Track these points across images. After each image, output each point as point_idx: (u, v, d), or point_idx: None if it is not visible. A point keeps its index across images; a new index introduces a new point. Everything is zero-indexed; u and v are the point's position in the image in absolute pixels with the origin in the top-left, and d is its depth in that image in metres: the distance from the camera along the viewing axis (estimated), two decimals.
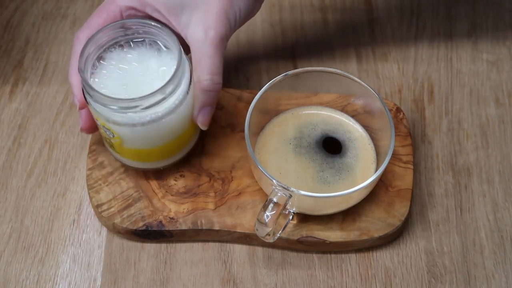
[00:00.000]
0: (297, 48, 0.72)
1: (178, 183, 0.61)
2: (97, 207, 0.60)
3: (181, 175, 0.62)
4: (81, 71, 0.53)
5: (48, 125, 0.67)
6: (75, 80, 0.56)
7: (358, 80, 0.60)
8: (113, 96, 0.52)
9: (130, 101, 0.52)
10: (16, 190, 0.63)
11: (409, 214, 0.61)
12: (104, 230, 0.61)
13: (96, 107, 0.54)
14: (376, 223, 0.59)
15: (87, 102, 0.55)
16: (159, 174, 0.62)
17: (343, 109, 0.63)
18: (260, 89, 0.60)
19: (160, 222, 0.59)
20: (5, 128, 0.67)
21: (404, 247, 0.61)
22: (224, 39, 0.56)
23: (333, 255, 0.60)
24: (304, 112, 0.63)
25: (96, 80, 0.55)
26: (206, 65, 0.55)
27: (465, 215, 0.62)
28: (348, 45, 0.73)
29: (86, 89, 0.53)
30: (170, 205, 0.60)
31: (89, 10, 0.75)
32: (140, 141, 0.57)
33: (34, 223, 0.61)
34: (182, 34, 0.56)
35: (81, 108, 0.57)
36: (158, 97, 0.53)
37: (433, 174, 0.64)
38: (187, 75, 0.55)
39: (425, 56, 0.72)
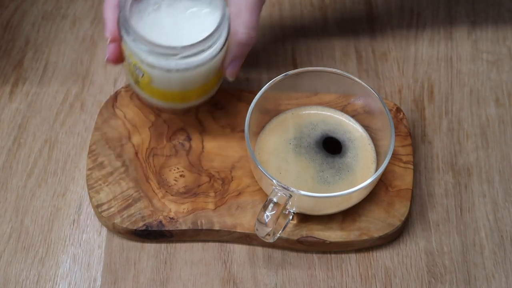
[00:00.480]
0: (297, 48, 0.72)
1: (178, 183, 0.61)
2: (97, 207, 0.60)
3: (181, 175, 0.62)
4: (122, 7, 0.53)
5: (48, 125, 0.67)
6: (109, 13, 0.57)
7: (358, 80, 0.60)
8: (154, 41, 0.53)
9: (171, 49, 0.53)
10: (16, 190, 0.63)
11: (409, 214, 0.61)
12: (104, 230, 0.61)
13: (133, 47, 0.54)
14: (376, 223, 0.59)
15: (121, 38, 0.55)
16: (159, 174, 0.62)
17: (343, 109, 0.63)
18: (260, 89, 0.60)
19: (160, 222, 0.59)
20: (5, 128, 0.67)
21: (404, 247, 0.61)
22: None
23: (333, 255, 0.60)
24: (304, 112, 0.63)
25: (134, 20, 0.56)
26: (244, 19, 0.57)
27: (465, 215, 0.62)
28: (348, 45, 0.73)
29: (126, 27, 0.53)
30: (170, 205, 0.60)
31: (89, 10, 0.75)
32: (169, 84, 0.58)
33: (34, 223, 0.61)
34: None
35: (112, 41, 0.57)
36: (199, 48, 0.54)
37: (433, 174, 0.64)
38: (226, 29, 0.56)
39: (425, 56, 0.72)
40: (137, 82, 0.59)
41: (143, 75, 0.56)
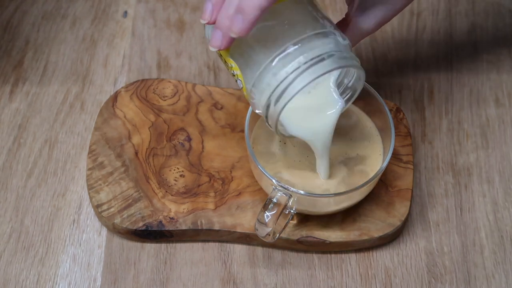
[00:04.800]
0: None
1: (178, 183, 0.62)
2: (97, 207, 0.60)
3: (181, 175, 0.62)
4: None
5: (48, 125, 0.67)
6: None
7: None
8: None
9: None
10: (16, 190, 0.63)
11: (409, 214, 0.61)
12: (104, 230, 0.61)
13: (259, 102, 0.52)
14: (376, 223, 0.59)
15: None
16: (159, 174, 0.62)
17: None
18: None
19: (160, 222, 0.59)
20: (5, 128, 0.67)
21: (404, 247, 0.61)
22: None
23: (333, 255, 0.60)
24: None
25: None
26: None
27: (465, 215, 0.62)
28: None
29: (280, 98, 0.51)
30: (170, 205, 0.60)
31: (89, 10, 0.75)
32: None
33: (34, 223, 0.61)
34: None
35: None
36: None
37: (433, 174, 0.64)
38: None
39: (425, 56, 0.72)
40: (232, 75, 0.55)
41: (242, 87, 0.54)
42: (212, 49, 0.51)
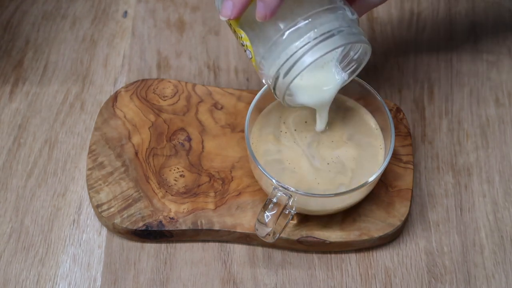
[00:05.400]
0: None
1: (178, 183, 0.62)
2: (97, 207, 0.60)
3: (181, 175, 0.62)
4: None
5: (48, 125, 0.67)
6: None
7: (358, 80, 0.60)
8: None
9: None
10: (16, 190, 0.63)
11: (409, 214, 0.61)
12: (104, 230, 0.61)
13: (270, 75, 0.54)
14: (376, 223, 0.59)
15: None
16: (159, 174, 0.62)
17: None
18: (260, 89, 0.60)
19: (160, 222, 0.59)
20: (5, 128, 0.67)
21: (404, 247, 0.61)
22: None
23: (333, 255, 0.60)
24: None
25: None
26: None
27: (465, 215, 0.62)
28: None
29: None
30: (170, 205, 0.60)
31: (89, 10, 0.75)
32: None
33: (34, 223, 0.61)
34: None
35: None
36: None
37: (433, 174, 0.64)
38: None
39: (425, 56, 0.72)
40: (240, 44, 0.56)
41: (251, 58, 0.55)
42: (222, 18, 0.52)
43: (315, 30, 0.51)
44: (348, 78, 0.57)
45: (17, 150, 0.65)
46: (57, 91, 0.69)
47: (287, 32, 0.52)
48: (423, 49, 0.73)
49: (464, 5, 0.76)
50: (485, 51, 0.73)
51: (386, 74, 0.71)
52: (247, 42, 0.54)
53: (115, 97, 0.67)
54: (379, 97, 0.59)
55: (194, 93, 0.67)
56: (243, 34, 0.54)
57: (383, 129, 0.60)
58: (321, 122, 0.60)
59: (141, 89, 0.67)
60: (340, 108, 0.62)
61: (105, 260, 0.60)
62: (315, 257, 0.60)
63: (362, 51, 0.56)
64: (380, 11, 0.75)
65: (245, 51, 0.55)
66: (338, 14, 0.52)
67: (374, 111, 0.61)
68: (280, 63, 0.52)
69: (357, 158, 0.59)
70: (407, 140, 0.64)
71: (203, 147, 0.64)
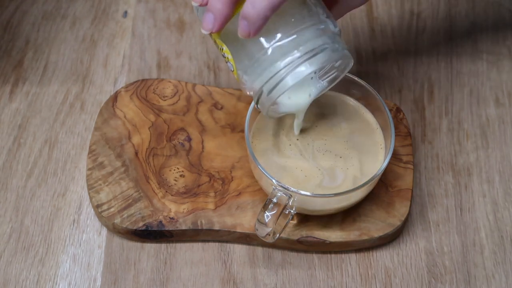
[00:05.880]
0: None
1: (178, 183, 0.62)
2: (97, 207, 0.60)
3: (181, 175, 0.62)
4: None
5: (48, 125, 0.67)
6: None
7: (358, 80, 0.60)
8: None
9: None
10: (16, 190, 0.63)
11: (409, 214, 0.61)
12: (104, 230, 0.61)
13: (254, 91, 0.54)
14: (376, 223, 0.59)
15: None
16: (159, 174, 0.62)
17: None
18: None
19: (160, 222, 0.59)
20: (5, 128, 0.67)
21: (404, 247, 0.61)
22: None
23: (333, 255, 0.60)
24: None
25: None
26: None
27: (465, 215, 0.62)
28: (348, 45, 0.73)
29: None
30: (170, 205, 0.60)
31: (89, 10, 0.75)
32: None
33: (34, 223, 0.61)
34: None
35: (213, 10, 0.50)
36: None
37: (433, 174, 0.64)
38: None
39: (425, 56, 0.72)
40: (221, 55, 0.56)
41: (232, 70, 0.54)
42: (204, 31, 0.51)
43: (299, 48, 0.51)
44: (327, 86, 0.57)
45: (17, 150, 0.65)
46: (57, 91, 0.69)
47: (270, 49, 0.51)
48: (423, 49, 0.73)
49: (464, 5, 0.76)
50: (485, 51, 0.73)
51: (386, 74, 0.71)
52: (228, 55, 0.53)
53: (115, 97, 0.67)
54: (379, 97, 0.59)
55: (194, 93, 0.67)
56: (224, 47, 0.53)
57: (384, 129, 0.60)
58: (297, 126, 0.60)
59: (141, 89, 0.67)
60: (340, 108, 0.62)
61: (105, 260, 0.60)
62: (315, 257, 0.60)
63: (343, 61, 0.55)
64: (380, 11, 0.75)
65: (226, 62, 0.54)
66: (321, 30, 0.52)
67: (374, 111, 0.61)
68: (263, 80, 0.52)
69: (357, 157, 0.59)
70: (407, 140, 0.64)
71: (203, 147, 0.64)
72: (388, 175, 0.62)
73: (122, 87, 0.67)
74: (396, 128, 0.63)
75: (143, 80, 0.68)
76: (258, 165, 0.56)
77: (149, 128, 0.65)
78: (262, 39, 0.51)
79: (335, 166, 0.59)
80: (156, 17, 0.75)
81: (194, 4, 0.51)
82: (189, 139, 0.64)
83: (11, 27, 0.74)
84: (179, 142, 0.64)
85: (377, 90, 0.60)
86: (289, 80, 0.51)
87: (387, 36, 0.74)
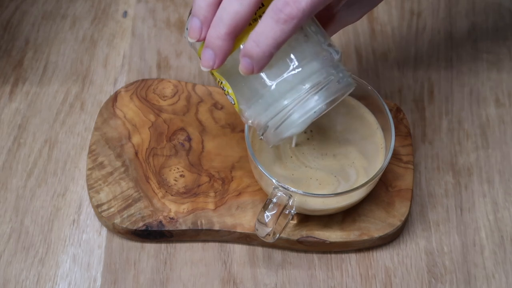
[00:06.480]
0: None
1: (178, 183, 0.62)
2: (97, 207, 0.60)
3: (181, 175, 0.62)
4: None
5: (48, 125, 0.67)
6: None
7: (359, 80, 0.60)
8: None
9: None
10: (16, 190, 0.63)
11: (409, 214, 0.61)
12: (104, 230, 0.61)
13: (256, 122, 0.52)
14: (376, 223, 0.59)
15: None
16: (159, 174, 0.62)
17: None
18: None
19: (160, 222, 0.59)
20: (5, 128, 0.67)
21: (404, 247, 0.61)
22: None
23: (333, 255, 0.60)
24: None
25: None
26: None
27: (465, 215, 0.62)
28: (348, 45, 0.73)
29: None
30: (170, 205, 0.60)
31: (89, 10, 0.75)
32: None
33: (34, 223, 0.61)
34: None
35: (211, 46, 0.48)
36: None
37: (433, 174, 0.64)
38: None
39: (425, 56, 0.72)
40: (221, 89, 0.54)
41: (233, 104, 0.53)
42: (204, 69, 0.49)
43: (305, 82, 0.49)
44: (326, 109, 0.53)
45: (17, 150, 0.65)
46: (57, 91, 0.69)
47: (274, 85, 0.49)
48: (423, 49, 0.73)
49: (464, 5, 0.76)
50: (485, 51, 0.73)
51: (386, 74, 0.71)
52: (228, 89, 0.51)
53: (115, 97, 0.67)
54: (379, 97, 0.59)
55: (194, 93, 0.67)
56: (223, 80, 0.51)
57: (384, 129, 0.60)
58: (295, 140, 0.59)
59: (141, 89, 0.67)
60: (341, 107, 0.62)
61: (105, 260, 0.60)
62: (315, 257, 0.60)
63: (347, 88, 0.53)
64: (380, 11, 0.75)
65: (226, 95, 0.52)
66: (325, 60, 0.50)
67: (375, 111, 0.61)
68: (268, 115, 0.50)
69: (357, 157, 0.59)
70: (407, 140, 0.64)
71: (203, 147, 0.64)
72: (388, 175, 0.62)
73: (122, 87, 0.67)
74: (396, 128, 0.63)
75: (143, 80, 0.68)
76: (258, 165, 0.56)
77: (149, 128, 0.65)
78: (265, 74, 0.49)
79: (335, 166, 0.59)
80: (156, 17, 0.75)
81: (190, 40, 0.49)
82: (189, 139, 0.64)
83: (11, 27, 0.74)
84: (179, 142, 0.64)
85: (377, 90, 0.60)
86: (297, 116, 0.50)
87: (387, 36, 0.74)
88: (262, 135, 0.53)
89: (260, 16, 0.48)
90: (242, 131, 0.64)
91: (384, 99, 0.59)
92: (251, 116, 0.52)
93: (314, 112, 0.50)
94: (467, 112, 0.68)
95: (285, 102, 0.49)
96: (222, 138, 0.64)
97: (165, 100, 0.66)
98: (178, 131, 0.65)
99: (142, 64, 0.71)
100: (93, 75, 0.70)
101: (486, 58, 0.72)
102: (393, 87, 0.70)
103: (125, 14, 0.75)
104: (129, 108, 0.66)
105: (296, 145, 0.60)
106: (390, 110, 0.60)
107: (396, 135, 0.62)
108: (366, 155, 0.59)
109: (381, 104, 0.59)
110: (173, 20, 0.75)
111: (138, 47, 0.72)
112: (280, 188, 0.55)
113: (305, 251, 0.60)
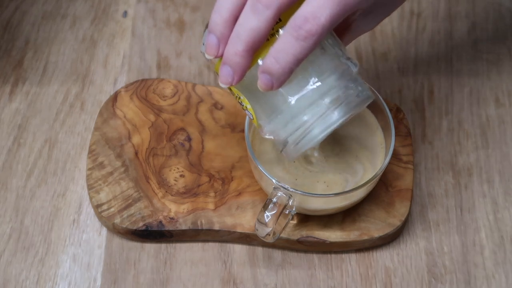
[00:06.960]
0: None
1: (178, 183, 0.62)
2: (97, 207, 0.60)
3: (181, 175, 0.62)
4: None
5: (48, 125, 0.67)
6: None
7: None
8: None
9: None
10: (16, 190, 0.63)
11: (409, 214, 0.61)
12: (104, 230, 0.61)
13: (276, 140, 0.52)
14: (376, 223, 0.59)
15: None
16: (159, 174, 0.62)
17: None
18: None
19: (160, 222, 0.59)
20: (5, 128, 0.67)
21: (404, 247, 0.61)
22: None
23: (333, 255, 0.60)
24: None
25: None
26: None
27: (465, 215, 0.62)
28: (348, 45, 0.73)
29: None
30: (170, 205, 0.60)
31: (88, 10, 0.75)
32: None
33: (34, 223, 0.61)
34: None
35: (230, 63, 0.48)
36: None
37: (433, 174, 0.64)
38: None
39: (425, 56, 0.72)
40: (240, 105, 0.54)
41: (252, 119, 0.52)
42: (222, 86, 0.49)
43: (324, 97, 0.49)
44: (344, 121, 0.52)
45: (17, 150, 0.65)
46: (57, 91, 0.69)
47: (294, 100, 0.49)
48: (423, 49, 0.73)
49: (464, 5, 0.76)
50: (485, 51, 0.73)
51: (386, 74, 0.71)
52: (247, 105, 0.51)
53: (115, 97, 0.67)
54: (379, 97, 0.59)
55: (194, 93, 0.67)
56: (242, 96, 0.51)
57: (384, 129, 0.60)
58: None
59: (141, 89, 0.67)
60: None
61: (105, 260, 0.60)
62: (315, 257, 0.60)
63: (365, 101, 0.53)
64: None
65: (244, 110, 0.52)
66: (343, 74, 0.50)
67: (375, 111, 0.61)
68: (288, 131, 0.50)
69: (357, 157, 0.59)
70: (407, 140, 0.64)
71: (203, 147, 0.64)
72: (388, 175, 0.62)
73: (122, 87, 0.67)
74: (396, 128, 0.63)
75: (143, 80, 0.68)
76: (258, 165, 0.56)
77: (149, 128, 0.65)
78: (284, 90, 0.49)
79: (335, 166, 0.59)
80: (156, 17, 0.75)
81: (208, 57, 0.49)
82: (189, 139, 0.64)
83: (11, 27, 0.74)
84: (179, 142, 0.64)
85: (377, 90, 0.60)
86: (317, 132, 0.49)
87: (387, 36, 0.74)
88: (282, 150, 0.52)
89: (278, 31, 0.48)
90: (242, 131, 0.64)
91: (384, 99, 0.59)
92: (271, 131, 0.51)
93: (334, 127, 0.50)
94: (467, 112, 0.68)
95: (305, 118, 0.49)
96: (222, 138, 0.64)
97: (165, 100, 0.66)
98: (178, 131, 0.65)
99: (142, 64, 0.71)
100: (93, 75, 0.70)
101: (486, 58, 0.72)
102: (393, 87, 0.70)
103: (125, 14, 0.75)
104: (129, 108, 0.66)
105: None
106: (390, 110, 0.60)
107: (396, 135, 0.62)
108: (366, 155, 0.59)
109: (381, 104, 0.59)
110: (173, 20, 0.75)
111: (138, 47, 0.73)
112: (280, 188, 0.55)
113: (305, 251, 0.60)
